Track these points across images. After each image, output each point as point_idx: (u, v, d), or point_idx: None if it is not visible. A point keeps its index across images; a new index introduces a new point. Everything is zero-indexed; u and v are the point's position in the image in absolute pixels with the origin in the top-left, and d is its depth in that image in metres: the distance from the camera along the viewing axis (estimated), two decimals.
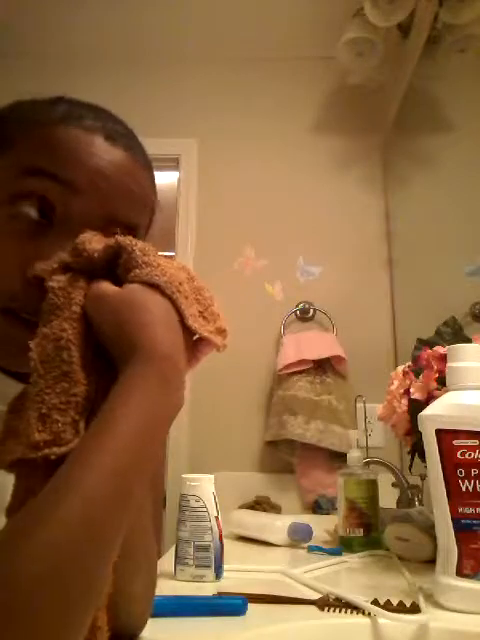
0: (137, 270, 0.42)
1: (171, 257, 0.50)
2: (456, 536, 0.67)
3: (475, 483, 0.66)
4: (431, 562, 0.78)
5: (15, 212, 0.45)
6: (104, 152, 0.48)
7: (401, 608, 0.64)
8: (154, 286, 0.42)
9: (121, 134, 0.52)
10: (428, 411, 0.71)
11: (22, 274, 0.45)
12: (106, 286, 0.42)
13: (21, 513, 0.33)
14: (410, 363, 1.04)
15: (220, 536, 0.81)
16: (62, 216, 0.46)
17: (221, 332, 0.47)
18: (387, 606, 0.64)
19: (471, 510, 0.66)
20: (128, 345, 0.40)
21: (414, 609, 0.64)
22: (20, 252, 0.45)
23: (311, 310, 1.92)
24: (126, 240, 0.43)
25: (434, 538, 0.74)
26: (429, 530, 0.90)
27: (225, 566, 0.82)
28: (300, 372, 1.77)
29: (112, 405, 0.37)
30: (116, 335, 0.40)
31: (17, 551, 0.31)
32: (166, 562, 0.88)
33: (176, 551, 0.82)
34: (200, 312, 0.45)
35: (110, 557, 0.34)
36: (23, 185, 0.46)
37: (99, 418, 0.37)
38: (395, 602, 0.65)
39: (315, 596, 0.70)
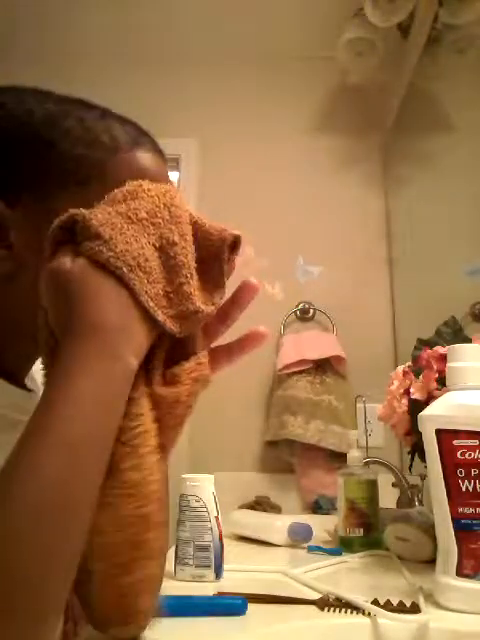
0: (87, 242, 0.42)
1: None
2: (456, 536, 0.67)
3: (475, 483, 0.66)
4: (431, 562, 0.78)
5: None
6: (165, 174, 0.55)
7: (401, 608, 0.64)
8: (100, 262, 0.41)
9: (158, 145, 0.58)
10: (428, 411, 0.71)
11: None
12: (56, 261, 0.42)
13: None
14: (410, 363, 1.04)
15: (220, 536, 0.81)
16: None
17: (186, 316, 0.44)
18: (387, 606, 0.64)
19: (471, 510, 0.66)
20: (61, 323, 0.41)
21: (414, 609, 0.64)
22: None
23: (311, 310, 1.92)
24: (81, 212, 0.43)
25: (434, 538, 0.74)
26: (429, 530, 0.90)
27: (225, 566, 0.82)
28: (300, 372, 1.77)
29: (54, 381, 0.38)
30: (56, 310, 0.42)
31: None
32: (166, 562, 0.88)
33: (176, 551, 0.82)
34: (166, 292, 0.43)
35: (76, 530, 0.36)
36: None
37: (45, 395, 0.38)
38: (395, 602, 0.65)
39: (315, 596, 0.70)
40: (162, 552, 0.45)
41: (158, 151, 0.55)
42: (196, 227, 0.46)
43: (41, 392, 0.56)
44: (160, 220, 0.44)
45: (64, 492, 0.35)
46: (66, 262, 0.42)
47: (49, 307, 0.42)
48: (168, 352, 0.46)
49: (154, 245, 0.43)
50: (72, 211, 0.43)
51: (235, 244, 0.48)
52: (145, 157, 0.52)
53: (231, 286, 0.54)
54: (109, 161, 0.50)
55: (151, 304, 0.42)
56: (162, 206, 0.45)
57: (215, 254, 0.46)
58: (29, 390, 0.54)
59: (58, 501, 0.34)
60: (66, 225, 0.43)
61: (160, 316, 0.42)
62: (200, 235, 0.46)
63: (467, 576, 0.66)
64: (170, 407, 0.44)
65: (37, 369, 0.57)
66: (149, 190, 0.46)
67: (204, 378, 0.46)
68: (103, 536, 0.39)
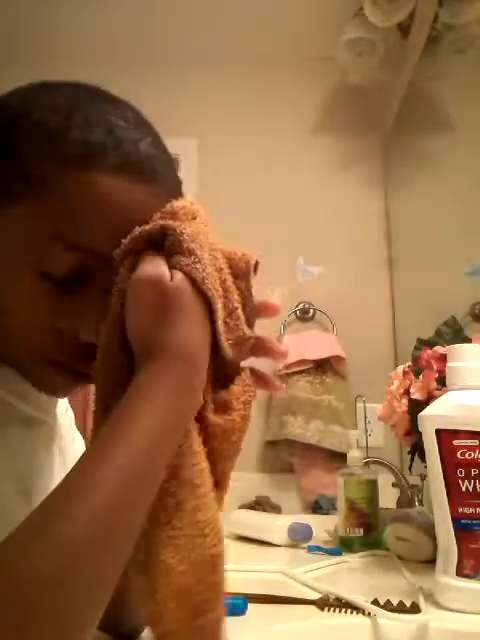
0: (182, 257, 0.40)
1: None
2: (456, 536, 0.67)
3: (475, 483, 0.66)
4: (431, 562, 0.78)
5: (45, 272, 0.42)
6: (135, 204, 0.43)
7: (401, 608, 0.64)
8: (193, 281, 0.40)
9: (146, 158, 0.48)
10: (428, 411, 0.71)
11: (54, 328, 0.43)
12: (149, 273, 0.39)
13: (36, 509, 0.33)
14: (410, 363, 1.04)
15: None
16: (95, 280, 0.44)
17: (239, 342, 0.43)
18: (387, 606, 0.64)
19: (471, 510, 0.66)
20: (155, 341, 0.38)
21: (414, 609, 0.64)
22: (51, 310, 0.43)
23: (311, 310, 1.92)
24: (173, 224, 0.42)
25: (434, 538, 0.74)
26: (429, 530, 0.90)
27: (225, 566, 0.82)
28: (300, 372, 1.77)
29: (130, 403, 0.36)
30: (144, 326, 0.39)
31: (25, 548, 0.30)
32: None
33: None
34: (225, 317, 0.42)
35: (120, 557, 0.34)
36: (56, 256, 0.42)
37: (115, 418, 0.36)
38: (395, 602, 0.65)
39: (315, 596, 0.70)
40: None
41: (122, 171, 0.43)
42: (221, 252, 0.46)
43: None
44: (214, 244, 0.45)
45: (116, 517, 0.33)
46: (166, 273, 0.39)
47: (136, 317, 0.39)
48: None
49: (216, 270, 0.43)
50: (163, 223, 0.41)
51: (255, 267, 0.48)
52: (99, 180, 0.42)
53: None
54: (50, 176, 0.41)
55: (222, 330, 0.41)
56: (205, 230, 0.45)
57: (243, 277, 0.45)
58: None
59: (101, 534, 0.32)
60: (155, 237, 0.41)
61: (225, 343, 0.42)
62: (227, 259, 0.46)
63: (467, 576, 0.66)
64: (226, 436, 0.43)
65: None
66: (199, 210, 0.47)
67: (252, 399, 0.44)
68: (175, 576, 0.38)
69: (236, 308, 0.43)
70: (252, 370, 0.45)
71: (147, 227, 0.42)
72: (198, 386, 0.40)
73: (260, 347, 0.45)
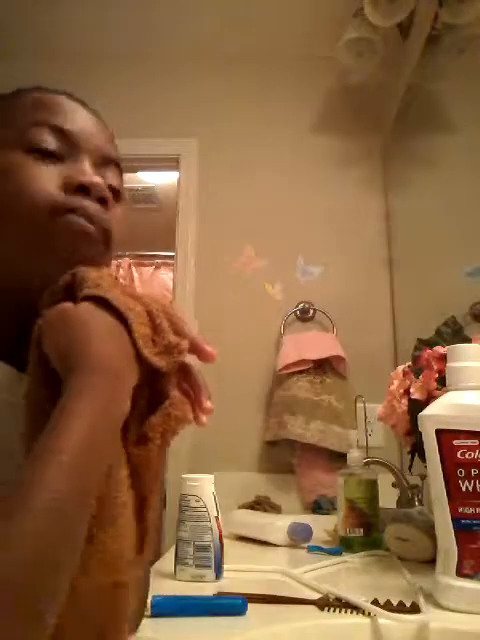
0: (86, 289, 0.44)
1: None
2: (456, 536, 0.67)
3: (475, 483, 0.66)
4: (431, 562, 0.78)
5: (35, 143, 0.51)
6: (82, 110, 0.56)
7: (401, 608, 0.64)
8: (100, 300, 0.43)
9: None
10: (428, 411, 0.71)
11: (56, 186, 0.51)
12: (56, 307, 0.44)
13: None
14: (410, 363, 1.04)
15: (220, 536, 0.81)
16: (72, 148, 0.53)
17: (166, 351, 0.45)
18: (387, 606, 0.64)
19: (471, 510, 0.66)
20: (72, 358, 0.41)
21: (414, 609, 0.64)
22: (49, 171, 0.51)
23: (311, 310, 1.92)
24: (79, 269, 0.46)
25: (434, 538, 0.74)
26: (429, 530, 0.90)
27: (225, 566, 0.82)
28: (300, 372, 1.77)
29: (63, 411, 0.38)
30: (61, 351, 0.42)
31: None
32: (166, 562, 0.88)
33: (176, 551, 0.82)
34: (151, 334, 0.45)
35: (75, 548, 0.36)
36: (36, 131, 0.52)
37: (52, 425, 0.38)
38: (395, 602, 0.65)
39: (315, 596, 0.70)
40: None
41: (70, 95, 0.57)
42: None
43: None
44: (139, 293, 0.48)
45: (60, 518, 0.35)
46: (70, 305, 0.44)
47: (53, 348, 0.43)
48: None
49: (134, 299, 0.46)
50: (70, 271, 0.46)
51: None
52: (47, 94, 0.55)
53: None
54: (9, 103, 0.54)
55: (140, 342, 0.43)
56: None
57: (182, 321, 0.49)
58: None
59: (58, 523, 0.34)
60: (68, 283, 0.46)
61: (146, 352, 0.43)
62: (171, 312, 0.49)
63: (467, 576, 0.66)
64: (145, 465, 0.45)
65: None
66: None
67: (173, 429, 0.45)
68: (78, 599, 0.39)
69: (160, 322, 0.45)
70: (187, 392, 0.47)
71: (60, 281, 0.47)
72: (121, 393, 0.41)
73: (193, 349, 0.48)
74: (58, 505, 0.34)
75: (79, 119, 0.55)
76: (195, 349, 0.47)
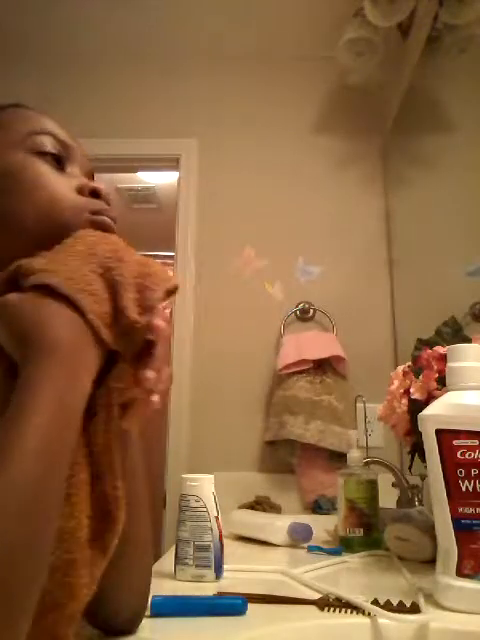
0: (31, 277, 0.44)
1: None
2: (456, 536, 0.67)
3: (475, 483, 0.66)
4: (431, 562, 0.78)
5: (41, 147, 0.54)
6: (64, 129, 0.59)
7: (401, 608, 0.64)
8: (43, 287, 0.43)
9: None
10: (428, 411, 0.71)
11: (72, 190, 0.54)
12: (1, 298, 0.44)
13: None
14: (410, 363, 1.04)
15: (220, 536, 0.81)
16: (68, 157, 0.56)
17: (126, 331, 0.44)
18: (387, 606, 0.64)
19: (471, 510, 0.66)
20: (25, 348, 0.41)
21: (414, 609, 0.64)
22: (62, 177, 0.54)
23: (311, 310, 1.92)
24: (22, 260, 0.46)
25: (434, 538, 0.74)
26: (429, 530, 0.90)
27: (225, 566, 0.82)
28: (300, 372, 1.77)
29: (20, 399, 0.38)
30: (13, 342, 0.42)
31: None
32: (166, 562, 0.88)
33: (176, 551, 0.82)
34: (112, 311, 0.44)
35: (44, 534, 0.36)
36: (44, 140, 0.55)
37: (11, 412, 0.38)
38: (395, 602, 0.65)
39: (315, 596, 0.70)
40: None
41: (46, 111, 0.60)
42: (142, 267, 0.48)
43: None
44: (98, 250, 0.47)
45: (30, 502, 0.35)
46: (13, 296, 0.44)
47: (4, 340, 0.43)
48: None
49: (96, 272, 0.45)
50: (14, 263, 0.46)
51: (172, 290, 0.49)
52: (27, 110, 0.57)
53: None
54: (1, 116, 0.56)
55: (97, 322, 0.43)
56: (101, 241, 0.49)
57: (154, 288, 0.47)
58: None
59: (24, 512, 0.35)
60: (11, 277, 0.46)
61: (104, 333, 0.43)
62: (145, 273, 0.48)
63: (467, 576, 0.66)
64: (93, 442, 0.45)
65: None
66: (91, 233, 0.50)
67: (115, 402, 0.45)
68: None
69: (123, 298, 0.44)
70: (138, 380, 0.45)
71: (6, 271, 0.46)
72: (78, 379, 0.41)
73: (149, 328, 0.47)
74: (24, 508, 0.34)
75: (68, 134, 0.58)
76: (150, 328, 0.46)
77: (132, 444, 0.53)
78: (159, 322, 0.45)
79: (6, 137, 0.54)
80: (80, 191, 0.54)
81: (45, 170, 0.53)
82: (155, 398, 0.45)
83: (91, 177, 0.59)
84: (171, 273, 0.49)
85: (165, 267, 0.50)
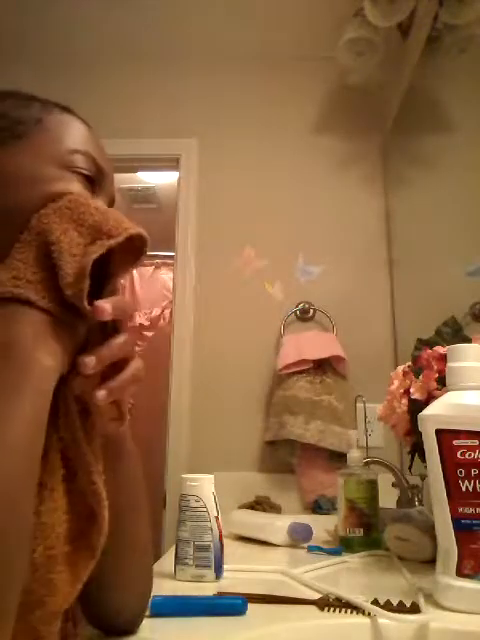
0: None
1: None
2: (456, 536, 0.67)
3: (475, 483, 0.66)
4: (431, 562, 0.78)
5: (78, 167, 0.52)
6: (98, 140, 0.57)
7: (401, 608, 0.64)
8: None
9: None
10: (428, 411, 0.71)
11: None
12: None
13: None
14: (410, 363, 1.04)
15: (220, 536, 0.81)
16: (99, 184, 0.54)
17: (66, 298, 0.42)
18: (387, 606, 0.64)
19: (471, 510, 0.66)
20: None
21: (414, 609, 0.64)
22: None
23: (311, 310, 1.92)
24: None
25: (434, 538, 0.74)
26: (429, 530, 0.90)
27: (225, 566, 0.82)
28: (300, 372, 1.77)
29: None
30: None
31: None
32: (166, 562, 0.88)
33: (176, 551, 0.82)
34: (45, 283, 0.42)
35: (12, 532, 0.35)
36: (81, 160, 0.53)
37: None
38: (395, 602, 0.65)
39: (315, 596, 0.70)
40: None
41: (87, 124, 0.58)
42: (98, 218, 0.46)
43: None
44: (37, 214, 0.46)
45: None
46: None
47: None
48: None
49: (38, 250, 0.44)
50: None
51: (141, 241, 0.46)
52: (78, 120, 0.56)
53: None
54: (45, 118, 0.53)
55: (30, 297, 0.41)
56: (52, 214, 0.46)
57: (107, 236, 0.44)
58: None
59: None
60: None
61: (40, 303, 0.41)
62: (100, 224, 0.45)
63: (467, 576, 0.66)
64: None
65: None
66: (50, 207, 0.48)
67: (70, 394, 0.44)
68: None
69: (59, 268, 0.42)
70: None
71: None
72: (30, 360, 0.39)
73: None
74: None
75: (106, 158, 0.56)
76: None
77: (125, 448, 0.52)
78: (102, 304, 0.42)
79: (47, 147, 0.52)
80: None
81: (76, 187, 0.51)
82: (100, 394, 0.42)
83: (111, 205, 0.57)
84: (130, 223, 0.46)
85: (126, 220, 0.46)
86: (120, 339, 0.44)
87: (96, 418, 0.45)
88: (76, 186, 0.51)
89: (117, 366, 0.44)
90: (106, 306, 0.42)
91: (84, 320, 0.43)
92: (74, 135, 0.54)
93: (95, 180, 0.54)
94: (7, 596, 0.34)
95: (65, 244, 0.43)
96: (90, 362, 0.41)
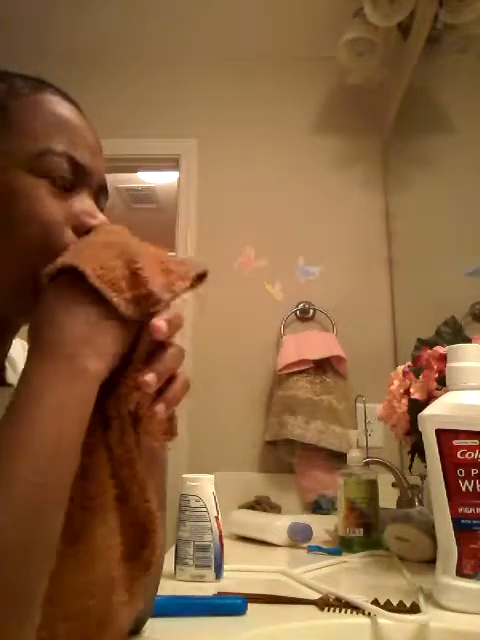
0: (58, 260, 0.42)
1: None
2: (456, 536, 0.67)
3: (475, 483, 0.66)
4: (431, 562, 0.78)
5: (50, 172, 0.47)
6: (84, 121, 0.52)
7: (401, 608, 0.64)
8: (65, 271, 0.41)
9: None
10: (428, 411, 0.71)
11: (68, 228, 0.48)
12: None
13: None
14: (410, 363, 1.04)
15: (220, 536, 0.81)
16: (80, 180, 0.49)
17: (139, 299, 0.41)
18: (387, 606, 0.64)
19: (471, 510, 0.66)
20: (31, 344, 0.40)
21: (414, 609, 0.64)
22: (61, 206, 0.47)
23: (311, 310, 1.92)
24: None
25: (434, 538, 0.74)
26: (429, 530, 0.90)
27: (225, 566, 0.82)
28: (300, 372, 1.77)
29: (16, 399, 0.38)
30: (29, 331, 0.41)
31: None
32: (166, 562, 0.88)
33: (176, 551, 0.82)
34: (124, 276, 0.42)
35: (49, 540, 0.35)
36: (52, 160, 0.47)
37: (11, 416, 0.37)
38: (395, 602, 0.65)
39: (315, 596, 0.70)
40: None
41: (65, 96, 0.52)
42: (163, 255, 0.46)
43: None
44: (120, 238, 0.46)
45: (30, 499, 0.34)
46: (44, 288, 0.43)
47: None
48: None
49: (115, 256, 0.43)
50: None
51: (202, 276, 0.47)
52: (52, 99, 0.50)
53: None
54: (11, 105, 0.47)
55: (103, 286, 0.40)
56: (119, 232, 0.47)
57: (180, 270, 0.45)
58: (8, 385, 0.53)
59: (24, 508, 0.34)
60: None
61: (110, 295, 0.40)
62: (168, 259, 0.46)
63: (467, 576, 0.66)
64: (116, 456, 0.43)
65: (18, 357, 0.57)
66: (107, 229, 0.48)
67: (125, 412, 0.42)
68: (72, 601, 0.39)
69: (138, 268, 0.42)
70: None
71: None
72: (85, 364, 0.39)
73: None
74: (26, 506, 0.34)
75: (89, 143, 0.51)
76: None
77: (160, 460, 0.51)
78: (159, 322, 0.41)
79: (10, 147, 0.46)
80: (76, 229, 0.48)
81: (45, 200, 0.47)
82: (159, 408, 0.41)
83: (101, 189, 0.53)
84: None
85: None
86: (174, 352, 0.43)
87: (148, 432, 0.44)
88: (45, 196, 0.46)
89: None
90: (162, 325, 0.41)
91: (133, 325, 0.42)
92: (46, 127, 0.48)
93: (72, 181, 0.49)
94: (32, 602, 0.34)
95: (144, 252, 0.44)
96: (151, 380, 0.41)
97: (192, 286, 0.45)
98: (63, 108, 0.50)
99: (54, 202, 0.47)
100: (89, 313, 0.40)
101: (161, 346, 0.43)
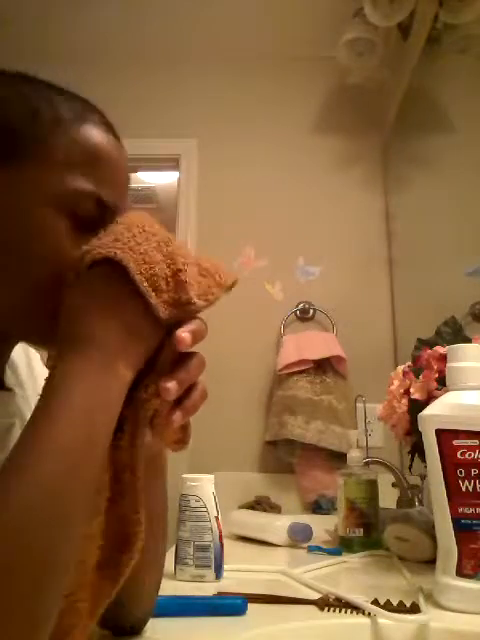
0: (96, 249, 0.40)
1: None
2: (456, 536, 0.67)
3: (475, 483, 0.66)
4: (431, 562, 0.78)
5: (75, 210, 0.45)
6: (121, 156, 0.50)
7: (401, 608, 0.64)
8: (105, 261, 0.40)
9: (110, 123, 0.53)
10: (428, 411, 0.71)
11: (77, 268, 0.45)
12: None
13: None
14: (410, 363, 1.04)
15: (220, 536, 0.81)
16: (105, 218, 0.46)
17: (178, 305, 0.41)
18: (387, 606, 0.64)
19: (471, 510, 0.66)
20: (62, 336, 0.39)
21: (414, 609, 0.64)
22: (77, 249, 0.44)
23: (311, 310, 1.92)
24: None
25: (434, 538, 0.74)
26: (429, 530, 0.90)
27: (225, 566, 0.82)
28: (300, 372, 1.77)
29: (45, 397, 0.37)
30: (61, 327, 0.40)
31: None
32: (166, 562, 0.88)
33: (176, 551, 0.82)
34: (165, 276, 0.41)
35: (71, 535, 0.35)
36: (80, 197, 0.45)
37: (40, 409, 0.37)
38: (395, 602, 0.65)
39: (315, 596, 0.70)
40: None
41: (109, 127, 0.51)
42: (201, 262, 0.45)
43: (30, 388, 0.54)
44: (157, 229, 0.44)
45: (58, 499, 0.34)
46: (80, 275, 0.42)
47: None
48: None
49: (155, 248, 0.42)
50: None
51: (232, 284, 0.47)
52: (93, 133, 0.48)
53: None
54: (53, 132, 0.45)
55: (145, 284, 0.39)
56: (159, 227, 0.45)
57: (217, 285, 0.45)
58: (8, 389, 0.52)
59: (51, 507, 0.34)
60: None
61: (151, 296, 0.40)
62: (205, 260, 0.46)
63: (467, 576, 0.66)
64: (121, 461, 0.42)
65: (21, 364, 0.57)
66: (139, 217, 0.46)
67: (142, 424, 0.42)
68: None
69: (179, 270, 0.41)
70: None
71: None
72: (116, 366, 0.39)
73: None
74: (49, 506, 0.34)
75: (119, 181, 0.49)
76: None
77: (162, 466, 0.51)
78: (183, 334, 0.41)
79: (46, 180, 0.44)
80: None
81: (62, 241, 0.44)
82: (177, 416, 0.41)
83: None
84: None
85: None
86: (196, 361, 0.43)
87: (160, 440, 0.43)
88: (64, 235, 0.44)
89: None
90: (187, 337, 0.41)
91: (163, 328, 0.41)
92: (79, 163, 0.45)
93: (95, 219, 0.45)
94: (51, 604, 0.34)
95: (184, 250, 0.43)
96: (173, 388, 0.40)
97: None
98: (102, 141, 0.48)
99: (71, 242, 0.44)
100: (126, 313, 0.40)
101: (184, 353, 0.42)
